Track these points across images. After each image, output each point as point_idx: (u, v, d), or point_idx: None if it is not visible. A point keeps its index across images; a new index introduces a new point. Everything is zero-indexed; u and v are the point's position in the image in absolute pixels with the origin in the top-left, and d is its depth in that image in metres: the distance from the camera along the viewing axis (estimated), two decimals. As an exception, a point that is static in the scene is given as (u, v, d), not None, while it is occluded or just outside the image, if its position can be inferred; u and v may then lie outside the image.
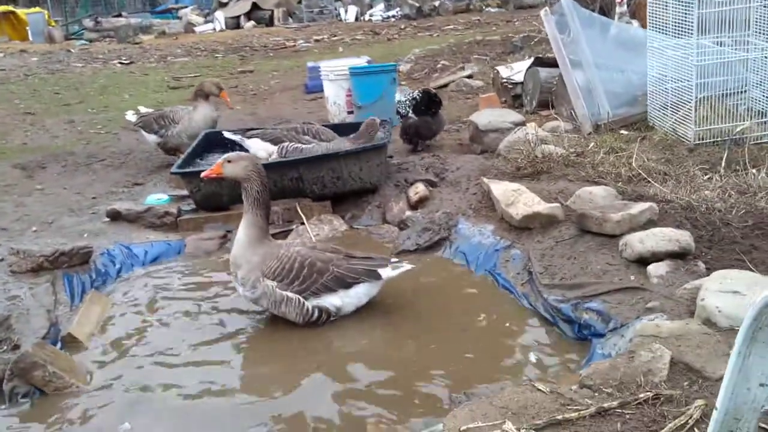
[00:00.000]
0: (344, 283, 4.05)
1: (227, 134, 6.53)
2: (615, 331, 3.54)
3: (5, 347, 3.92)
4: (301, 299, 4.00)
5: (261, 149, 6.16)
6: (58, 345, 4.02)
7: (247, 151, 6.07)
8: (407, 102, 7.37)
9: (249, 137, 6.35)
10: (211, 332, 4.16)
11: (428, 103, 7.30)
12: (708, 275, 3.69)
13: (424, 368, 3.64)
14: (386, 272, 4.15)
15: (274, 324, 4.18)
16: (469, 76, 10.81)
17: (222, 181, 5.65)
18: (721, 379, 2.65)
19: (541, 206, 4.77)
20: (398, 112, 7.54)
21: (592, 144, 6.22)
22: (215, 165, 4.21)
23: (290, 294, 3.99)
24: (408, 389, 3.48)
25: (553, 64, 7.95)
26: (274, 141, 6.16)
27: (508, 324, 4.04)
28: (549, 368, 3.57)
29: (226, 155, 4.24)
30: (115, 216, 5.72)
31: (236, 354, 3.93)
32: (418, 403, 3.36)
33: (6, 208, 6.17)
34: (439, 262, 4.94)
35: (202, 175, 4.44)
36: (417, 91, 7.60)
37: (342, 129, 6.67)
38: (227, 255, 5.07)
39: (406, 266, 4.25)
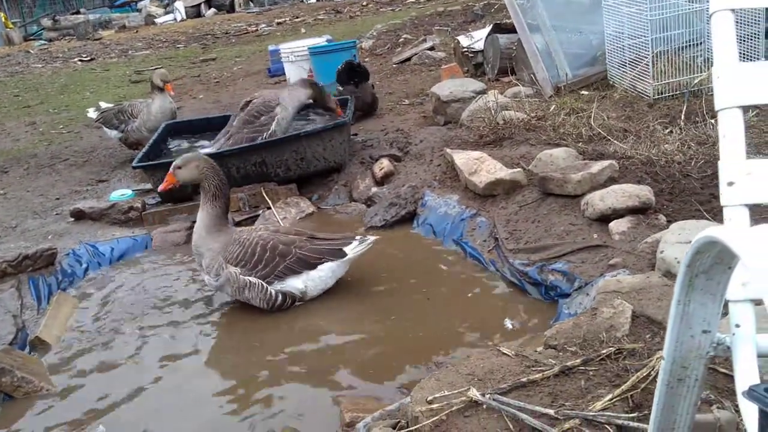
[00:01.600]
0: (308, 264, 4.01)
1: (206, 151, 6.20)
2: (580, 290, 3.57)
3: (-28, 356, 3.87)
4: (264, 284, 3.97)
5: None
6: (27, 349, 3.98)
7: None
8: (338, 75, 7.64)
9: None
10: (181, 326, 4.12)
11: (350, 73, 7.54)
12: (668, 228, 3.73)
13: (395, 342, 3.66)
14: (351, 249, 4.12)
15: (243, 311, 4.16)
16: (431, 48, 10.76)
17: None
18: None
19: (504, 172, 4.78)
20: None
21: (553, 107, 6.22)
22: (167, 175, 4.14)
23: (253, 279, 3.97)
24: (381, 364, 3.49)
25: (512, 30, 7.91)
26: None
27: (476, 291, 4.06)
28: (518, 332, 3.59)
29: (175, 161, 4.16)
30: (79, 215, 5.65)
31: (206, 346, 3.89)
32: (391, 378, 3.36)
33: (-33, 217, 6.07)
34: (407, 236, 4.94)
35: (159, 189, 4.37)
36: (341, 65, 7.77)
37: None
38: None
39: (370, 239, 4.22)
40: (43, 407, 3.52)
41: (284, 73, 11.06)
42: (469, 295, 4.04)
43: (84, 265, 4.98)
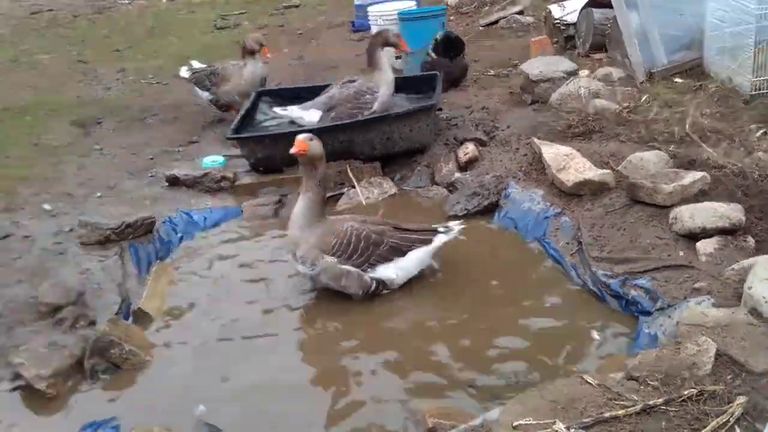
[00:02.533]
0: (399, 251, 4.21)
1: (277, 110, 6.41)
2: (662, 311, 3.61)
3: (82, 323, 4.20)
4: (360, 272, 4.16)
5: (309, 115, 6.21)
6: (130, 319, 4.29)
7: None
8: (430, 44, 7.66)
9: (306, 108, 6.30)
10: (271, 304, 4.36)
11: (447, 47, 7.54)
12: (757, 250, 3.73)
13: (474, 344, 3.79)
14: (438, 238, 4.32)
15: (330, 297, 4.35)
16: (520, 12, 10.52)
17: (276, 145, 5.82)
18: (764, 373, 2.75)
19: (593, 173, 4.78)
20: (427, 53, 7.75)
21: (645, 97, 6.10)
22: (300, 143, 4.16)
23: (350, 268, 4.15)
24: (458, 366, 3.64)
25: (608, 5, 7.68)
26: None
27: (556, 295, 4.15)
28: (598, 345, 3.67)
29: (308, 134, 4.24)
30: (173, 181, 5.93)
31: (295, 328, 4.14)
32: (469, 382, 3.51)
33: (68, 171, 6.42)
34: (488, 229, 5.02)
35: (291, 151, 4.22)
36: (439, 33, 7.81)
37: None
38: (282, 220, 5.30)
39: (456, 230, 4.40)
40: (147, 379, 3.83)
41: (368, 29, 11.06)
42: (549, 299, 4.14)
43: (179, 234, 5.26)
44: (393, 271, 4.26)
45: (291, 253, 4.31)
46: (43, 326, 4.17)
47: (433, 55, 7.67)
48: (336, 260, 4.16)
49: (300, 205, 4.26)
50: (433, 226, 4.49)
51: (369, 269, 4.20)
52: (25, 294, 4.40)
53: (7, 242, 5.04)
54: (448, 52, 7.66)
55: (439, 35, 7.78)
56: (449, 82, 7.57)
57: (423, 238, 4.32)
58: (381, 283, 4.25)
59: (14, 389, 3.79)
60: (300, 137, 4.13)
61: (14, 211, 5.56)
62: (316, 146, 4.20)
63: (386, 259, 4.20)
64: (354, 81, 6.28)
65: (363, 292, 4.22)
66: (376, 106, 6.09)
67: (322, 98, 6.28)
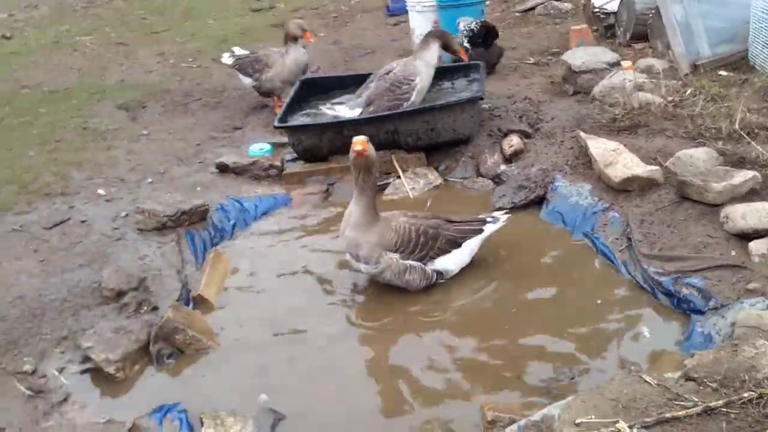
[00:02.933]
0: (455, 243, 4.38)
1: (324, 110, 6.33)
2: (715, 311, 3.68)
3: (145, 308, 4.37)
4: (423, 266, 4.30)
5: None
6: (190, 305, 4.44)
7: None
8: (464, 32, 7.64)
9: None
10: (326, 293, 4.50)
11: (485, 37, 7.61)
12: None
13: (527, 338, 3.89)
14: (488, 228, 4.49)
15: (382, 288, 4.46)
16: (558, -2, 10.47)
17: (323, 135, 5.92)
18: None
19: (641, 169, 4.82)
20: None
21: (690, 90, 6.11)
22: (362, 143, 4.15)
23: (413, 262, 4.29)
24: (512, 360, 3.74)
25: (649, -6, 7.67)
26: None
27: (607, 292, 4.22)
28: (652, 343, 3.75)
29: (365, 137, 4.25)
30: (223, 168, 6.07)
31: (350, 319, 4.27)
32: (524, 377, 3.62)
33: (119, 157, 6.57)
34: (535, 222, 5.09)
35: (353, 151, 4.18)
36: (474, 23, 7.77)
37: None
38: (331, 208, 5.50)
39: (503, 218, 4.56)
40: (209, 365, 3.99)
41: (404, 13, 11.06)
42: (600, 294, 4.21)
43: (232, 221, 5.39)
44: (451, 262, 4.41)
45: (351, 255, 4.37)
46: (107, 311, 4.34)
47: (467, 45, 7.67)
48: (398, 256, 4.27)
49: (356, 209, 4.33)
50: (480, 216, 4.61)
51: (429, 262, 4.33)
52: (88, 278, 4.56)
53: (65, 227, 5.21)
54: (486, 41, 7.70)
55: (474, 25, 7.78)
56: (487, 69, 7.61)
57: (474, 228, 4.48)
58: (439, 274, 4.40)
59: (84, 372, 3.96)
60: (360, 138, 4.18)
61: (70, 196, 5.72)
62: (373, 150, 4.28)
63: (444, 251, 4.35)
64: (391, 71, 6.24)
65: (426, 284, 4.36)
66: (413, 96, 6.10)
67: (363, 97, 6.30)
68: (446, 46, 6.38)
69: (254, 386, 3.74)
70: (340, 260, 4.78)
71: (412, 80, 6.04)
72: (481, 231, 4.48)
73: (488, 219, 4.57)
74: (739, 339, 3.18)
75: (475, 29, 7.68)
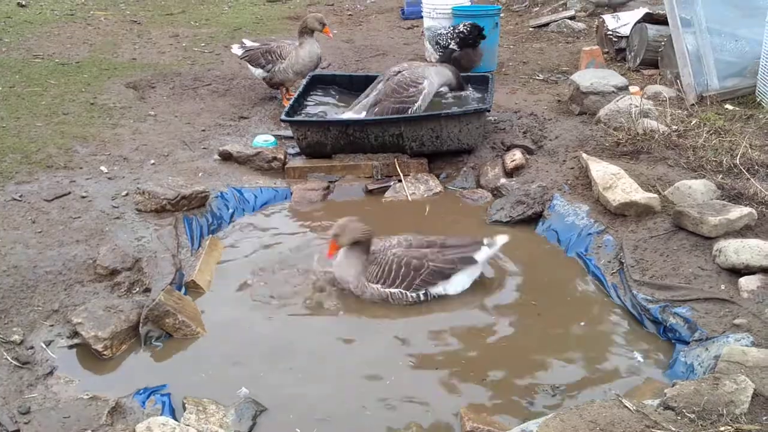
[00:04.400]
0: (442, 275, 4.32)
1: (347, 115, 6.33)
2: (700, 342, 3.72)
3: (137, 289, 4.40)
4: (405, 292, 4.31)
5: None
6: (183, 290, 4.47)
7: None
8: (449, 35, 7.77)
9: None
10: (316, 288, 4.51)
11: (476, 38, 7.69)
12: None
13: (510, 352, 3.93)
14: (481, 255, 4.41)
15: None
16: (572, 17, 10.53)
17: (328, 132, 5.97)
18: (800, 417, 2.86)
19: (639, 195, 4.87)
20: (438, 43, 7.99)
21: (695, 121, 6.16)
22: (330, 243, 4.38)
23: (393, 290, 4.32)
24: (494, 373, 3.77)
25: (663, 22, 7.73)
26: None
27: (595, 314, 4.27)
28: (633, 367, 3.79)
29: (332, 230, 4.38)
30: (226, 156, 6.10)
31: (339, 313, 4.31)
32: (505, 391, 3.65)
33: (124, 135, 6.60)
34: (530, 239, 5.14)
35: (326, 256, 4.51)
36: (463, 25, 7.84)
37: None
38: (330, 205, 5.55)
39: (500, 241, 4.50)
40: (196, 350, 4.01)
41: (418, 17, 11.13)
42: (587, 315, 4.25)
43: (230, 210, 5.43)
44: (441, 288, 4.38)
45: (344, 287, 4.48)
46: (100, 288, 4.38)
47: (453, 46, 7.74)
48: (380, 286, 4.32)
49: (346, 257, 4.42)
50: (476, 239, 4.53)
51: (414, 292, 4.34)
52: (83, 254, 4.59)
53: (65, 200, 5.23)
54: (475, 42, 7.81)
55: (463, 27, 7.82)
56: (469, 68, 7.81)
57: (466, 256, 4.38)
58: (430, 295, 4.37)
59: (71, 347, 3.98)
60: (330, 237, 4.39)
61: (72, 170, 5.75)
62: (342, 240, 4.36)
63: (429, 283, 4.31)
64: (399, 72, 6.26)
65: (412, 304, 4.37)
66: (419, 100, 6.14)
67: (370, 98, 6.34)
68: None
69: (239, 376, 3.77)
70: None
71: (420, 83, 6.09)
72: (472, 261, 4.39)
73: (485, 242, 4.49)
74: (721, 373, 3.22)
75: (465, 31, 7.77)
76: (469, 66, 7.72)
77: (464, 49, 7.74)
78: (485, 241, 4.51)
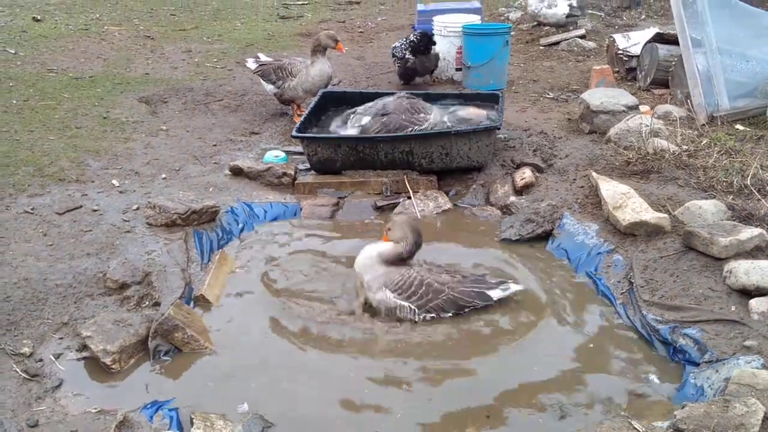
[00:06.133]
0: (457, 305, 4.35)
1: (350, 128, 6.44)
2: (710, 364, 3.70)
3: (147, 303, 4.42)
4: (414, 308, 4.32)
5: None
6: (191, 304, 4.48)
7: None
8: (403, 46, 8.65)
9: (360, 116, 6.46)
10: (324, 304, 4.52)
11: (427, 44, 8.58)
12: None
13: (518, 371, 3.90)
14: (496, 294, 4.42)
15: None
16: (582, 36, 10.57)
17: (338, 148, 6.00)
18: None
19: (649, 215, 4.86)
20: (394, 55, 8.82)
21: (706, 141, 6.16)
22: (384, 237, 4.56)
23: (404, 303, 4.33)
24: (501, 392, 3.74)
25: (674, 41, 7.75)
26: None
27: (604, 335, 4.24)
28: (642, 388, 3.76)
29: (388, 223, 4.56)
30: (237, 171, 6.13)
31: (346, 330, 4.27)
32: (513, 411, 3.63)
33: (136, 149, 6.65)
34: (540, 257, 5.12)
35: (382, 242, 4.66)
36: (413, 35, 8.79)
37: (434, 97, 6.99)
38: (339, 222, 5.54)
39: (515, 288, 4.48)
40: (204, 365, 4.01)
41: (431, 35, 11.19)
42: (596, 335, 4.23)
43: (240, 225, 5.45)
44: (449, 316, 4.39)
45: (359, 277, 4.49)
46: (109, 302, 4.39)
47: (410, 56, 8.62)
48: (394, 295, 4.34)
49: (382, 247, 4.50)
50: (494, 280, 4.54)
51: (426, 314, 4.35)
52: (94, 267, 4.62)
53: (77, 214, 5.27)
54: (427, 48, 8.63)
55: (413, 36, 8.71)
56: (426, 74, 8.93)
57: (484, 294, 4.40)
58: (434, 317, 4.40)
59: (80, 360, 3.99)
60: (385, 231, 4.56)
61: (84, 183, 5.80)
62: (393, 234, 4.50)
63: (443, 309, 4.34)
64: (408, 98, 6.40)
65: (417, 321, 4.37)
66: (425, 126, 6.18)
67: (378, 105, 6.39)
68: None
69: (246, 392, 3.77)
70: (341, 274, 4.83)
71: (429, 113, 6.22)
72: (488, 299, 4.40)
73: (501, 286, 4.48)
74: (731, 395, 3.20)
75: (415, 39, 8.63)
76: (424, 71, 8.78)
77: (418, 56, 8.65)
78: (501, 286, 4.49)
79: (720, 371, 3.60)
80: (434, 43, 8.71)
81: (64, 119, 7.30)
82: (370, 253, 4.50)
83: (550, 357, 4.03)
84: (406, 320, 4.34)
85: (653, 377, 3.85)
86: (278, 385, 3.86)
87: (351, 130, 6.31)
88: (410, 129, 6.08)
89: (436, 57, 8.84)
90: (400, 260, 4.49)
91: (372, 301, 4.44)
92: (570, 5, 10.72)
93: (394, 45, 8.90)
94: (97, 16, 12.71)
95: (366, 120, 6.33)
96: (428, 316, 4.34)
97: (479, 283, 4.45)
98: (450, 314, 4.35)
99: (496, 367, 3.96)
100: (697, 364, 3.79)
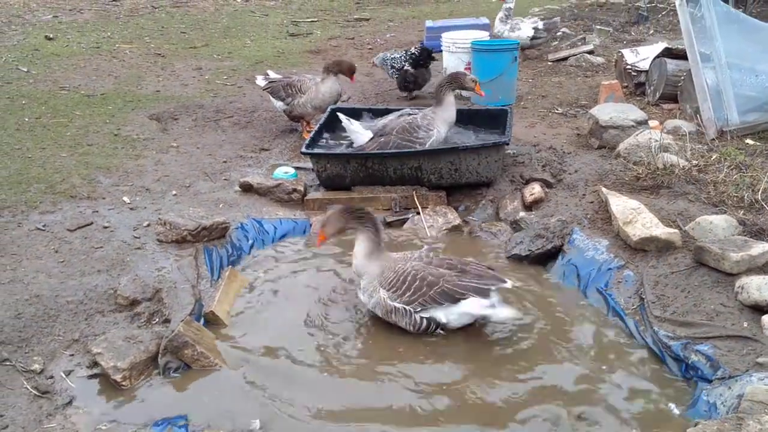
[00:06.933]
0: (452, 297, 4.25)
1: (342, 117, 6.53)
2: (722, 381, 3.67)
3: (157, 319, 4.43)
4: (410, 310, 4.27)
5: (363, 135, 6.40)
6: (201, 321, 4.48)
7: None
8: (402, 58, 8.97)
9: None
10: (333, 322, 4.53)
11: (426, 58, 8.96)
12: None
13: (527, 389, 3.88)
14: (494, 294, 4.30)
15: (388, 327, 4.46)
16: (590, 52, 10.59)
17: (347, 164, 6.02)
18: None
19: (660, 230, 4.84)
20: (393, 66, 9.03)
21: (716, 156, 6.14)
22: (319, 234, 4.57)
23: (398, 305, 4.29)
24: (510, 410, 3.72)
25: (682, 56, 7.76)
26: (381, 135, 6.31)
27: (615, 351, 4.22)
28: (654, 405, 3.74)
29: (321, 219, 4.61)
30: (247, 188, 6.16)
31: (354, 348, 4.29)
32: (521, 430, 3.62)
33: (147, 166, 6.70)
34: (550, 273, 5.11)
35: (316, 246, 4.88)
36: (414, 48, 9.09)
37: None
38: (348, 237, 5.43)
39: (508, 284, 4.34)
40: (214, 382, 4.01)
41: (438, 52, 11.25)
42: (607, 351, 4.21)
43: (250, 242, 5.47)
44: (443, 314, 4.30)
45: (357, 283, 4.52)
46: (120, 318, 4.41)
47: (408, 67, 8.93)
48: (388, 295, 4.31)
49: (357, 246, 4.50)
50: (495, 273, 4.40)
51: (420, 308, 4.28)
52: (104, 284, 4.64)
53: (88, 231, 5.30)
54: (426, 62, 8.96)
55: (414, 49, 9.03)
56: (422, 87, 9.17)
57: (481, 288, 4.27)
58: (432, 321, 4.31)
59: (90, 377, 4.00)
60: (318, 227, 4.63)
61: (95, 200, 5.84)
62: (329, 229, 4.51)
63: (436, 301, 4.25)
64: (413, 114, 6.41)
65: (414, 329, 4.32)
66: (427, 144, 6.19)
67: (378, 124, 6.41)
68: (462, 88, 6.69)
69: (256, 409, 3.77)
70: (350, 290, 4.82)
71: (431, 130, 6.21)
72: (485, 294, 4.27)
73: (501, 281, 4.33)
74: (745, 413, 3.17)
75: (416, 53, 8.96)
76: (422, 83, 9.07)
77: (418, 69, 8.93)
78: (501, 279, 4.35)
79: (733, 388, 3.57)
80: (434, 59, 9.03)
81: (76, 136, 7.37)
82: (357, 256, 4.50)
83: (557, 375, 3.99)
84: (402, 326, 4.32)
85: (665, 394, 3.82)
86: (289, 402, 3.84)
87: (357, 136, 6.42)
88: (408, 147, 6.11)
89: (430, 71, 9.15)
90: (376, 244, 4.44)
91: (368, 305, 4.45)
92: (535, 28, 10.69)
93: (392, 56, 9.06)
94: (109, 34, 12.84)
95: (367, 137, 6.34)
96: (424, 318, 4.27)
97: (480, 278, 4.30)
98: (443, 309, 4.28)
99: (504, 384, 3.93)
100: (709, 381, 3.76)
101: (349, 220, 4.47)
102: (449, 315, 4.32)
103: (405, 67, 8.95)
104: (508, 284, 4.35)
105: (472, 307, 4.31)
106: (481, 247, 5.51)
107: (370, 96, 9.33)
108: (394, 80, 9.22)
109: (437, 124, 6.27)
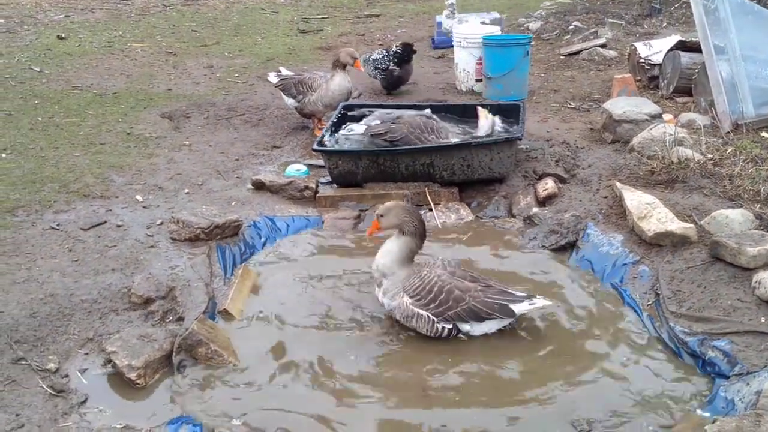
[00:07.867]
0: (477, 316, 4.18)
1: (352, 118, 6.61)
2: (740, 377, 3.63)
3: (171, 318, 4.44)
4: (432, 317, 4.20)
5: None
6: (215, 319, 4.48)
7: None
8: (386, 58, 9.00)
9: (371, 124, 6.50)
10: (347, 317, 4.51)
11: (409, 54, 9.00)
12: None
13: (542, 386, 3.85)
14: (520, 308, 4.21)
15: (399, 325, 4.44)
16: (603, 45, 10.51)
17: (359, 161, 6.01)
18: None
19: (675, 225, 4.80)
20: (377, 67, 9.08)
21: (731, 149, 6.08)
22: (373, 223, 4.49)
23: (422, 311, 4.21)
24: (527, 408, 3.70)
25: (696, 49, 7.68)
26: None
27: (631, 347, 4.18)
28: (671, 402, 3.70)
29: (378, 209, 4.46)
30: (259, 186, 6.16)
31: (366, 347, 4.25)
32: (537, 426, 3.58)
33: (159, 165, 6.71)
34: (564, 268, 5.07)
35: (367, 234, 4.83)
36: (395, 46, 9.09)
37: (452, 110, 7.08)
38: (361, 234, 5.52)
39: (542, 302, 4.23)
40: (228, 380, 3.99)
41: (448, 47, 11.25)
42: (622, 347, 4.17)
43: (263, 239, 5.46)
44: (467, 326, 4.25)
45: (377, 280, 4.44)
46: (134, 317, 4.42)
47: (393, 66, 8.97)
48: (411, 302, 4.24)
49: (393, 243, 4.41)
50: (520, 293, 4.30)
51: (444, 322, 4.21)
52: (118, 283, 4.65)
53: (101, 229, 5.32)
54: (409, 57, 9.00)
55: (395, 47, 9.03)
56: (406, 83, 9.29)
57: (506, 307, 4.17)
58: (453, 330, 4.24)
59: (105, 375, 4.01)
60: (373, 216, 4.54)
61: (109, 199, 5.85)
62: (385, 221, 4.41)
63: (461, 319, 4.19)
64: (431, 119, 6.39)
65: (433, 335, 4.25)
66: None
67: (391, 115, 6.41)
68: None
69: (270, 407, 3.76)
70: (364, 289, 4.80)
71: (441, 138, 6.20)
72: (510, 314, 4.18)
73: (527, 300, 4.23)
74: (764, 409, 3.14)
75: (399, 51, 8.97)
76: (407, 79, 9.20)
77: (403, 66, 9.00)
78: (528, 301, 4.24)
79: (751, 384, 3.53)
80: (415, 51, 9.16)
81: (89, 136, 7.39)
82: (387, 251, 4.41)
83: (573, 371, 3.96)
84: (422, 331, 4.26)
85: (682, 391, 3.78)
86: (303, 401, 3.82)
87: (360, 128, 6.41)
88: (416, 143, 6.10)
89: (412, 65, 9.23)
90: (412, 251, 4.39)
91: (386, 306, 4.39)
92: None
93: (373, 57, 9.11)
94: (120, 33, 12.88)
95: (376, 122, 6.37)
96: (446, 327, 4.22)
97: (504, 295, 4.24)
98: (468, 324, 4.24)
99: (518, 381, 3.91)
100: (726, 377, 3.72)
101: (405, 222, 4.36)
102: (473, 328, 4.27)
103: (390, 67, 8.97)
104: (539, 303, 4.21)
105: (497, 324, 4.28)
106: (496, 242, 5.45)
107: (380, 92, 9.34)
108: (377, 81, 9.24)
109: (450, 138, 6.31)
